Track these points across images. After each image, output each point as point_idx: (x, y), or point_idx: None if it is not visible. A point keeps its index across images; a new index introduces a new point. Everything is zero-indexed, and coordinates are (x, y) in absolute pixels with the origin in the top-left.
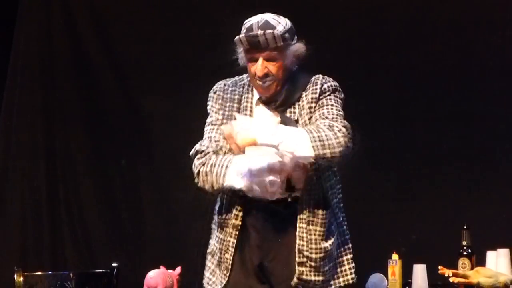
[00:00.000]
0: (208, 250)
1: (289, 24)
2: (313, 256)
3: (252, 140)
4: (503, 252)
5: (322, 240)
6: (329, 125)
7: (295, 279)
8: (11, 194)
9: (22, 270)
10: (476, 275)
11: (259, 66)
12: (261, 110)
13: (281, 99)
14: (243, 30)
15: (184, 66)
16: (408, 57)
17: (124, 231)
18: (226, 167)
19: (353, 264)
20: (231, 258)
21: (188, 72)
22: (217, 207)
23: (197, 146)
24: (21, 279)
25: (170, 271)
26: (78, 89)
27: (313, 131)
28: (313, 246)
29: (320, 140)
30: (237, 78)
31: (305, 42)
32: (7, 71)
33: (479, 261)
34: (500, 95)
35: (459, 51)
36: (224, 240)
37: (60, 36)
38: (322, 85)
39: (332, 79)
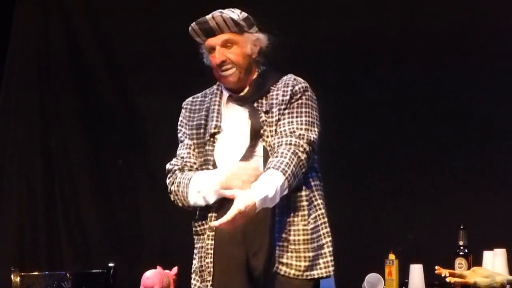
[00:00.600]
0: (192, 269)
1: (245, 14)
2: (292, 237)
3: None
4: (500, 252)
5: (301, 221)
6: (293, 152)
7: (276, 264)
8: (8, 194)
9: (19, 270)
10: (473, 275)
11: (217, 54)
12: (231, 109)
13: (249, 90)
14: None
15: (181, 66)
16: (406, 56)
17: (121, 231)
18: (187, 185)
19: (332, 258)
20: (211, 261)
21: (185, 72)
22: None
23: (168, 165)
24: (18, 279)
25: (167, 271)
26: (75, 89)
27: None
28: (292, 227)
29: (294, 176)
30: (207, 90)
31: (271, 37)
32: (3, 71)
33: (475, 261)
34: (497, 95)
35: (457, 49)
36: (202, 247)
37: (57, 35)
38: (294, 87)
39: (303, 80)
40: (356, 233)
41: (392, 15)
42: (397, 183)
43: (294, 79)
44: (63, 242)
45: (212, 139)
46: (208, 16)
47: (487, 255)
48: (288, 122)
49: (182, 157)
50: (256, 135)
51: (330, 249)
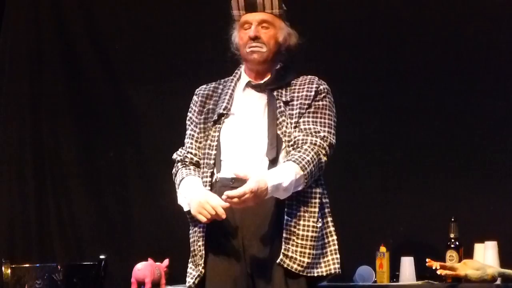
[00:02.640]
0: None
1: (284, 7)
2: (301, 232)
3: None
4: (491, 245)
5: (311, 218)
6: (316, 152)
7: (280, 256)
8: None
9: (9, 262)
10: (464, 268)
11: (253, 28)
12: (249, 94)
13: (271, 78)
14: None
15: (173, 58)
16: (397, 51)
17: (112, 223)
18: (178, 185)
19: (337, 256)
20: (203, 244)
21: (177, 64)
22: None
23: (174, 155)
24: (9, 271)
25: (158, 263)
26: (66, 81)
27: (304, 168)
28: (302, 222)
29: (311, 175)
30: (221, 80)
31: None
32: None
33: (466, 253)
34: (487, 90)
35: (448, 47)
36: (195, 232)
37: (48, 29)
38: (319, 85)
39: (324, 82)
40: (347, 225)
41: (382, 11)
42: (388, 175)
43: (319, 79)
44: (54, 234)
45: (219, 121)
46: None
47: (478, 247)
48: (313, 122)
49: (185, 149)
50: (273, 122)
51: (336, 256)
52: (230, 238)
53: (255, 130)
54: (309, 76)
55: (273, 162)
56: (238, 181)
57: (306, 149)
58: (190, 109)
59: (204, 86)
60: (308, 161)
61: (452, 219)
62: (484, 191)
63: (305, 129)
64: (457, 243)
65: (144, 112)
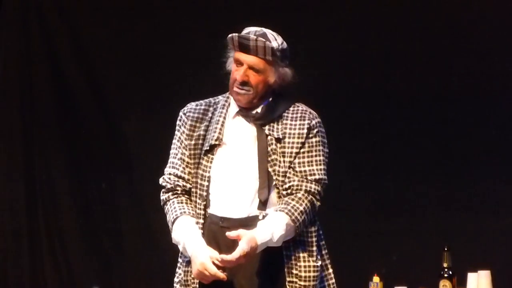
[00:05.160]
0: (176, 279)
1: (285, 45)
2: (303, 274)
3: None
4: (484, 274)
5: (311, 257)
6: (310, 201)
7: None
8: None
9: None
10: None
11: (241, 71)
12: (239, 122)
13: (261, 112)
14: (240, 33)
15: (164, 88)
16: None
17: (104, 256)
18: (172, 223)
19: None
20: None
21: (168, 94)
22: None
23: (160, 180)
24: None
25: None
26: (57, 112)
27: (295, 219)
28: (302, 264)
29: (304, 224)
30: (211, 99)
31: (294, 71)
32: None
33: (460, 282)
34: (480, 119)
35: (440, 73)
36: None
37: (39, 60)
38: (311, 121)
39: (315, 114)
40: (339, 255)
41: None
42: (381, 204)
43: (310, 112)
44: (46, 266)
45: (210, 152)
46: (252, 36)
47: (471, 277)
48: (308, 162)
49: (176, 175)
50: (264, 159)
51: (331, 282)
52: (227, 282)
53: (246, 164)
54: (300, 109)
55: (264, 203)
56: (227, 221)
57: (300, 198)
58: (178, 128)
59: (193, 106)
60: (301, 211)
61: (445, 249)
62: (477, 220)
63: (300, 171)
64: (450, 272)
65: (136, 143)
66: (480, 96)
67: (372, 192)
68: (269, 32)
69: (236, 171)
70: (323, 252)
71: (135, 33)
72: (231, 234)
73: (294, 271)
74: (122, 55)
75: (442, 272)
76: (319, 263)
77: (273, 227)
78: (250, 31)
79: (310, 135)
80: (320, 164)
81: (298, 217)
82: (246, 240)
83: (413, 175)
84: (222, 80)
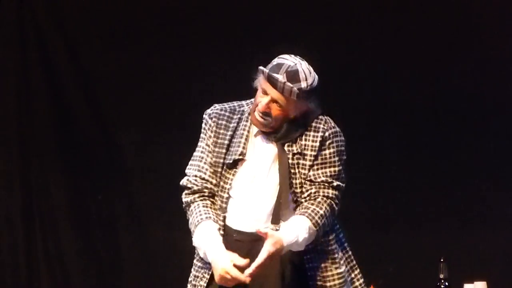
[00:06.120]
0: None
1: (315, 83)
2: (328, 284)
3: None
4: (480, 285)
5: (334, 265)
6: (329, 204)
7: None
8: None
9: None
10: None
11: (264, 103)
12: (260, 141)
13: (281, 133)
14: (271, 65)
15: (161, 99)
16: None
17: (101, 266)
18: (195, 225)
19: None
20: (205, 285)
21: (165, 105)
22: None
23: (184, 181)
24: None
25: None
26: (54, 123)
27: (315, 224)
28: (326, 273)
29: (324, 227)
30: (236, 104)
31: (317, 104)
32: None
33: None
34: (481, 130)
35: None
36: (202, 268)
37: (36, 74)
38: (324, 132)
39: (333, 124)
40: None
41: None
42: (377, 215)
43: (325, 122)
44: (43, 277)
45: (234, 165)
46: (281, 79)
47: None
48: (323, 173)
49: (203, 178)
50: (284, 176)
51: (357, 283)
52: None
53: (265, 181)
54: (318, 120)
55: (279, 218)
56: (240, 234)
57: (319, 202)
58: (204, 131)
59: (218, 110)
60: (321, 215)
61: (442, 260)
62: (473, 231)
63: (317, 182)
64: (446, 283)
65: (133, 155)
66: (477, 111)
67: (369, 204)
68: (301, 70)
69: (255, 187)
70: (348, 254)
71: (131, 44)
72: (261, 230)
73: (319, 283)
74: (119, 66)
75: (438, 283)
76: (343, 268)
77: (297, 229)
78: (283, 65)
79: (323, 147)
80: (336, 173)
81: (319, 221)
82: (272, 242)
83: (409, 186)
84: (220, 93)
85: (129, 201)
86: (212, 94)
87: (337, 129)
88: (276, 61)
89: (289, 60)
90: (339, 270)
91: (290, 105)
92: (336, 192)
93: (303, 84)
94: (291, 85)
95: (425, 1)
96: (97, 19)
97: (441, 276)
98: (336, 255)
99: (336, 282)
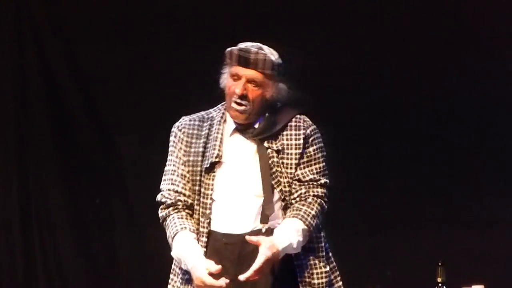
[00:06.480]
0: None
1: (280, 60)
2: (316, 281)
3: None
4: None
5: (321, 263)
6: (320, 204)
7: None
8: None
9: None
10: None
11: (240, 85)
12: (237, 140)
13: (259, 127)
14: (237, 46)
15: (159, 103)
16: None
17: (99, 270)
18: (172, 238)
19: None
20: None
21: (163, 109)
22: None
23: (159, 196)
24: None
25: None
26: (52, 128)
27: (307, 224)
28: (314, 271)
29: (316, 227)
30: (203, 112)
31: (289, 86)
32: None
33: None
34: (478, 133)
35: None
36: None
37: (33, 77)
38: (305, 130)
39: (311, 122)
40: None
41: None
42: (375, 219)
43: (304, 121)
44: (40, 280)
45: (211, 169)
46: (254, 49)
47: None
48: (310, 171)
49: (176, 191)
50: (266, 172)
51: (336, 285)
52: None
53: (248, 180)
54: (293, 119)
55: (267, 217)
56: (230, 237)
57: (310, 203)
58: (173, 144)
59: (187, 120)
60: (313, 215)
61: (439, 263)
62: (471, 235)
63: (305, 181)
64: (444, 287)
65: (131, 158)
66: (477, 112)
67: (366, 207)
68: (266, 47)
69: (238, 188)
70: (329, 255)
71: (130, 45)
72: (252, 238)
73: (307, 279)
74: (119, 73)
75: (436, 287)
76: (328, 267)
77: (291, 233)
78: (248, 44)
79: (307, 145)
80: (321, 170)
81: (311, 222)
82: (267, 247)
83: (407, 190)
84: (219, 94)
85: (127, 204)
86: (211, 96)
87: (315, 126)
88: (238, 46)
89: (249, 42)
90: (325, 269)
91: (265, 83)
92: (324, 190)
93: (272, 57)
94: (264, 53)
95: (425, 1)
96: (95, 21)
97: (439, 280)
98: (322, 254)
99: (323, 280)
